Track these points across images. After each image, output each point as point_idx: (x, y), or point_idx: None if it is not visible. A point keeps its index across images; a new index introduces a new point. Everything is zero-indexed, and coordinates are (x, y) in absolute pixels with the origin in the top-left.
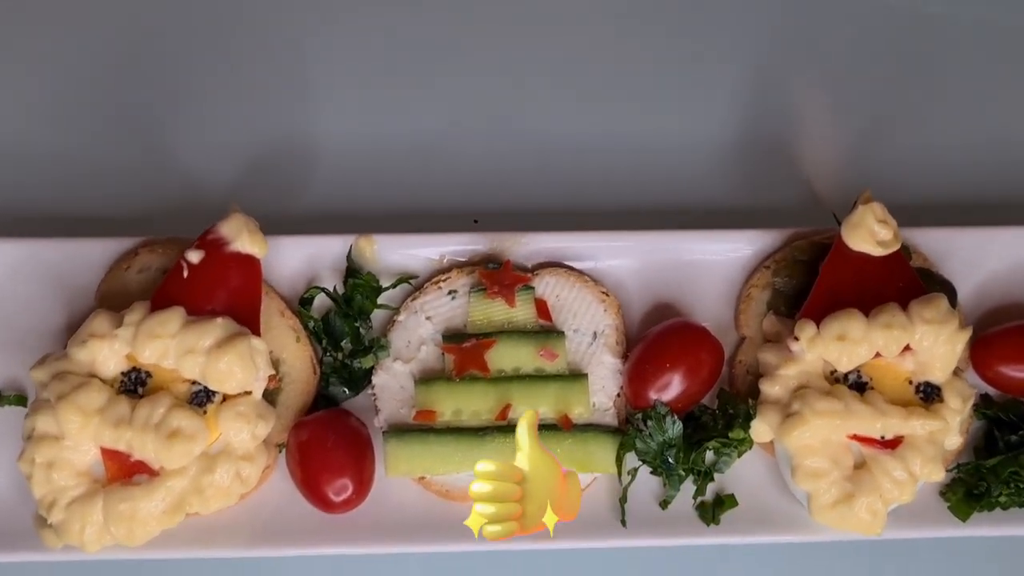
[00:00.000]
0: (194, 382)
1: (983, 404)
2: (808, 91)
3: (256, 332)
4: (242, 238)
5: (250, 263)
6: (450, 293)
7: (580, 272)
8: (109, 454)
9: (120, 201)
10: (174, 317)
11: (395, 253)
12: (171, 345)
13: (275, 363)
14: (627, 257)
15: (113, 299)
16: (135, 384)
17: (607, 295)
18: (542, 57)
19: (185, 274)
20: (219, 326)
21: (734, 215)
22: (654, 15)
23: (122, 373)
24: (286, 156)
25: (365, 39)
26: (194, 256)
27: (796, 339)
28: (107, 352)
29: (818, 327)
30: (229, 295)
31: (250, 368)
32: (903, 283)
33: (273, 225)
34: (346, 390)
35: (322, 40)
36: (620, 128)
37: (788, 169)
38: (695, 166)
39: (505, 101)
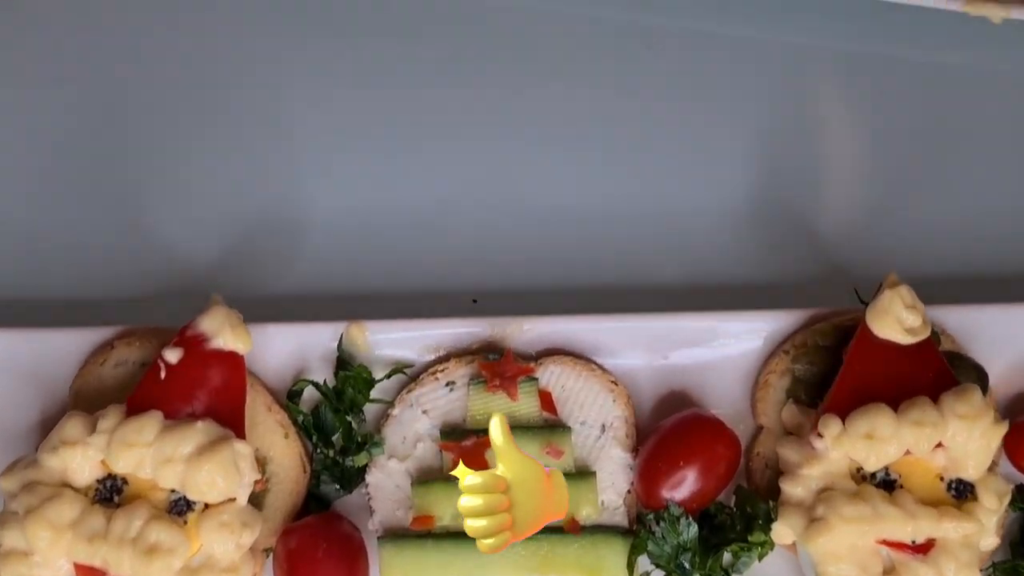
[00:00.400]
0: (174, 490)
1: (1018, 496)
2: (824, 158)
3: (240, 434)
4: (224, 334)
5: (233, 360)
6: (448, 385)
7: (587, 359)
8: (83, 570)
9: (95, 284)
10: (150, 423)
11: (389, 341)
12: (147, 454)
13: (261, 462)
14: (635, 342)
15: (88, 396)
16: (111, 492)
17: (615, 384)
18: (544, 126)
19: (162, 375)
20: (199, 431)
21: (749, 291)
22: (662, 80)
23: (97, 480)
24: (272, 234)
25: (355, 111)
26: (172, 355)
27: (820, 436)
28: (80, 459)
29: (843, 422)
30: (210, 395)
31: (233, 476)
32: (933, 373)
33: (258, 308)
34: (338, 487)
35: (310, 114)
36: (627, 200)
37: (805, 240)
38: (707, 239)
39: (505, 173)
